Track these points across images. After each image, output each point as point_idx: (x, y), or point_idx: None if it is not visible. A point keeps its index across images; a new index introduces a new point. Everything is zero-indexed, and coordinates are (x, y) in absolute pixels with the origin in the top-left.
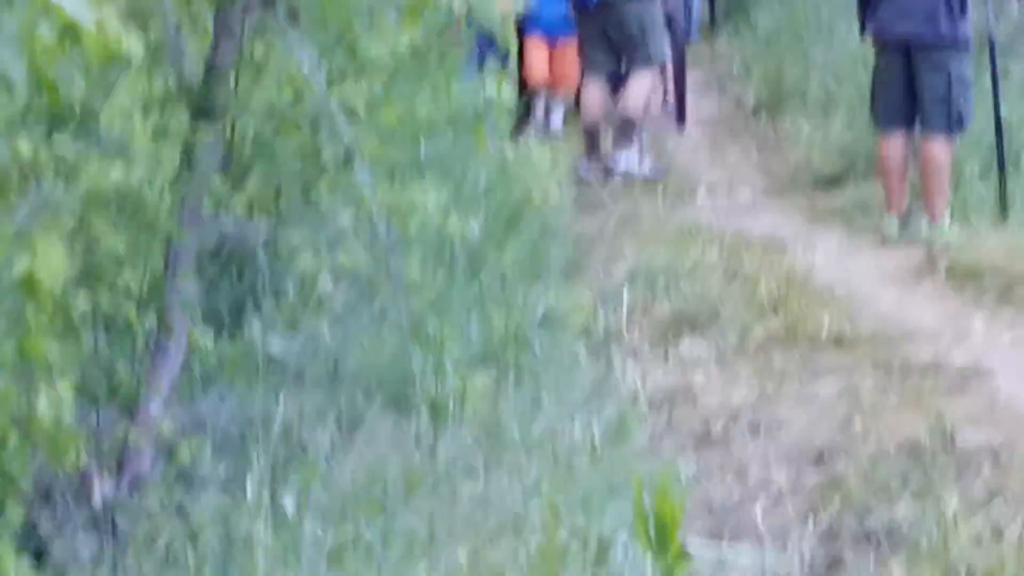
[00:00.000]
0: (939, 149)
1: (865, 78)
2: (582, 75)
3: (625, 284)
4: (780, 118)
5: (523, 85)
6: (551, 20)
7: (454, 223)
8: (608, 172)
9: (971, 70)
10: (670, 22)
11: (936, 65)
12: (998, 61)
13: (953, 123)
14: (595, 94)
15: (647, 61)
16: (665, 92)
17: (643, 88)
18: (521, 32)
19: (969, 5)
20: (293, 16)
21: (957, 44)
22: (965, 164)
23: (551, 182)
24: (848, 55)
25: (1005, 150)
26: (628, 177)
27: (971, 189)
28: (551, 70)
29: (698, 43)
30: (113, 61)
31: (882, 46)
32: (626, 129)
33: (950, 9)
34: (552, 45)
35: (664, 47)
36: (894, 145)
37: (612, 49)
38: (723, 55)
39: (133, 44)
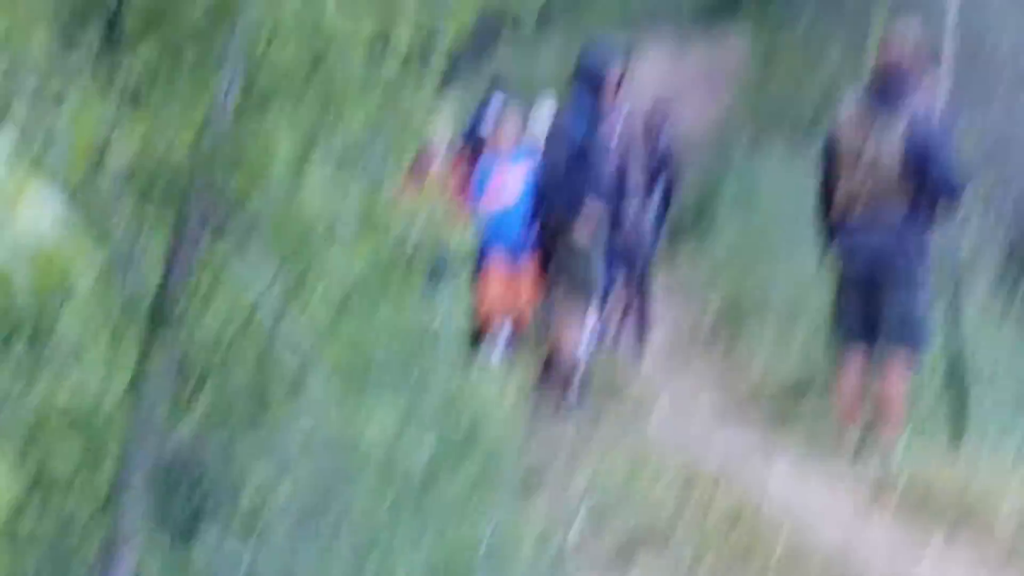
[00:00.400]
0: (899, 368)
1: (827, 292)
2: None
3: (579, 504)
4: (742, 329)
5: (479, 309)
6: (508, 245)
7: (405, 444)
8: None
9: (932, 293)
10: (630, 251)
11: (900, 283)
12: (962, 283)
13: (913, 345)
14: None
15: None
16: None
17: (577, 331)
18: (479, 255)
19: (934, 229)
20: (249, 233)
21: (918, 266)
22: (922, 385)
23: (504, 403)
24: (811, 267)
25: (965, 372)
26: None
27: (928, 410)
28: (507, 297)
29: (663, 251)
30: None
31: (845, 266)
32: (568, 371)
33: (913, 233)
34: (509, 271)
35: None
36: (854, 362)
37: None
38: (687, 264)
39: (85, 267)
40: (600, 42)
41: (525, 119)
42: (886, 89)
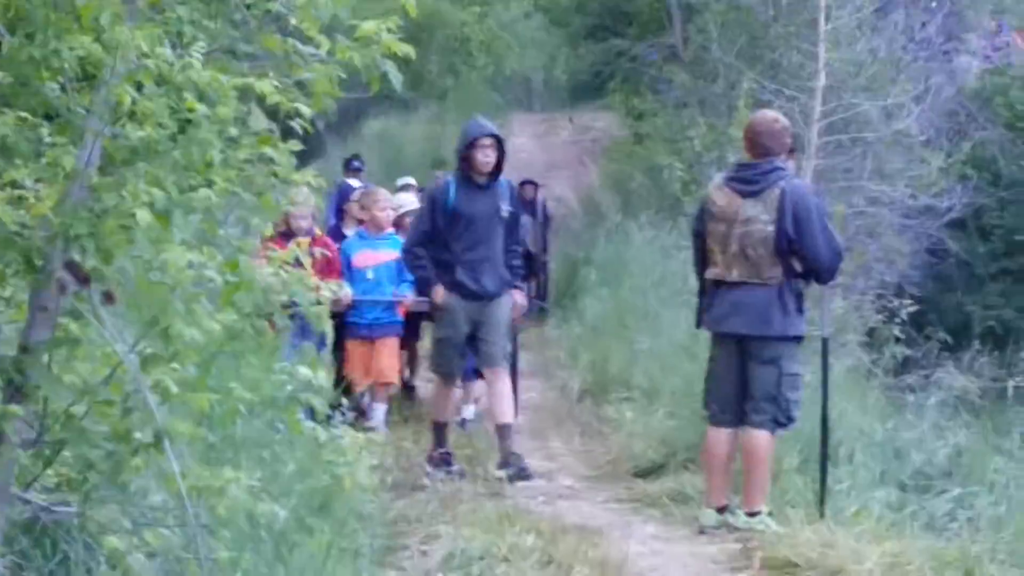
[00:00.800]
0: (762, 442)
1: (690, 368)
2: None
3: (439, 569)
4: (604, 405)
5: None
6: (372, 316)
7: (263, 507)
8: (450, 467)
9: (801, 367)
10: None
11: (766, 360)
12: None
13: (780, 418)
14: (449, 396)
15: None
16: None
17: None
18: (341, 327)
19: (804, 303)
20: (108, 297)
21: (788, 340)
22: (785, 457)
23: (364, 466)
24: (673, 344)
25: (827, 442)
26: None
27: (790, 482)
28: (371, 367)
29: (526, 328)
30: None
31: (716, 339)
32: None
33: (784, 307)
34: (372, 341)
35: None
36: (720, 437)
37: (465, 348)
38: (551, 340)
39: None
40: (480, 119)
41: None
42: (755, 165)
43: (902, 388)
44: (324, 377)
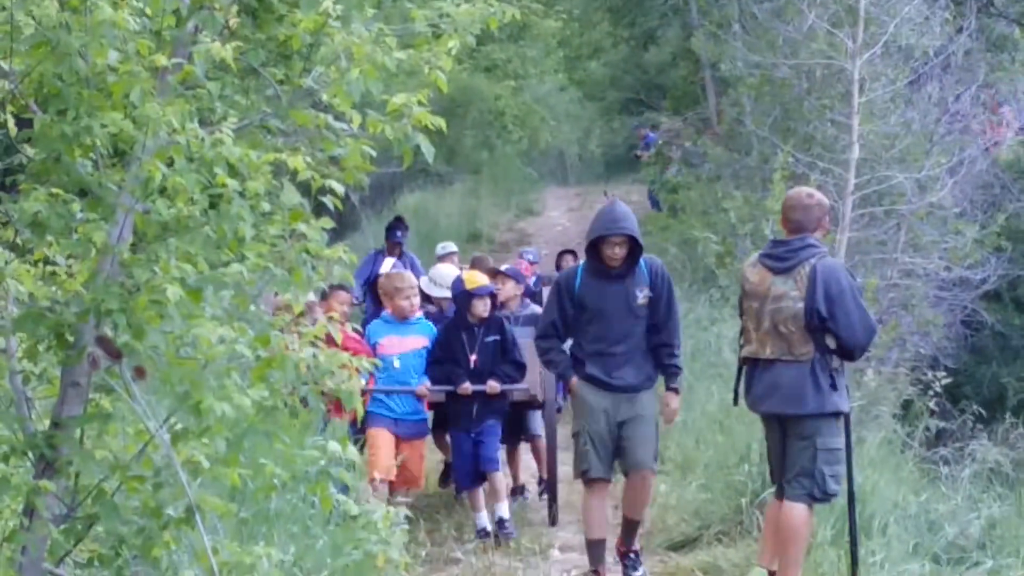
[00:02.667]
0: (797, 516)
1: (723, 441)
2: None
3: None
4: None
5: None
6: (401, 410)
7: None
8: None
9: (840, 441)
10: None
11: (803, 436)
12: (852, 431)
13: (816, 493)
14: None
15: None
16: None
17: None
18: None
19: (842, 379)
20: (140, 372)
21: (824, 417)
22: (818, 530)
23: (397, 541)
24: (706, 417)
25: (857, 519)
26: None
27: (824, 555)
28: (399, 471)
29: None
30: None
31: (761, 417)
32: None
33: (816, 384)
34: (399, 437)
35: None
36: (773, 506)
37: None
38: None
39: None
40: (615, 210)
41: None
42: (787, 242)
43: (936, 460)
44: (355, 453)
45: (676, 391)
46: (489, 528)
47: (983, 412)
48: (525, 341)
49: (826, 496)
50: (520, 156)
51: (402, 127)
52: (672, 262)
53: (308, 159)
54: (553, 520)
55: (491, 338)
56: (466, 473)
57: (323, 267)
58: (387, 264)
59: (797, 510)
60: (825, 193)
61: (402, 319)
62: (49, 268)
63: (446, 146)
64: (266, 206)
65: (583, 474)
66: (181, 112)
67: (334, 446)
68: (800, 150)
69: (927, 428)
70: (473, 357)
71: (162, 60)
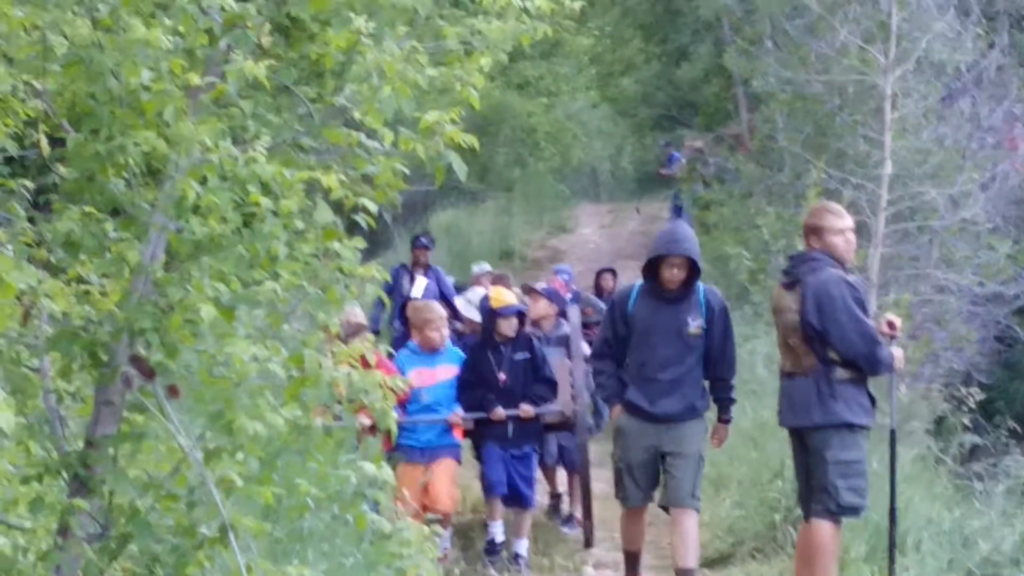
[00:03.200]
0: (815, 532)
1: (756, 457)
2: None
3: None
4: None
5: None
6: (426, 438)
7: None
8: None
9: (856, 453)
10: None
11: (814, 450)
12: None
13: (831, 507)
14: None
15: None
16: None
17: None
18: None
19: (850, 390)
20: (173, 391)
21: (832, 428)
22: (852, 546)
23: (429, 559)
24: (739, 434)
25: (896, 537)
26: None
27: (858, 571)
28: (425, 493)
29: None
30: None
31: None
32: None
33: (820, 395)
34: (426, 465)
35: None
36: (803, 526)
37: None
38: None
39: (3, 416)
40: (676, 229)
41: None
42: (797, 255)
43: (970, 476)
44: (389, 473)
45: (728, 422)
46: (499, 540)
47: (1017, 428)
48: (556, 361)
49: (842, 510)
50: (552, 173)
51: (434, 145)
52: (704, 278)
53: (341, 177)
54: (588, 542)
55: (520, 356)
56: (499, 479)
57: (356, 285)
58: (419, 285)
59: (818, 527)
60: (858, 209)
61: (431, 351)
62: (82, 287)
63: (478, 164)
64: (299, 224)
65: (622, 500)
66: (214, 131)
67: (368, 466)
68: (832, 166)
69: (961, 444)
70: (502, 376)
71: (195, 79)
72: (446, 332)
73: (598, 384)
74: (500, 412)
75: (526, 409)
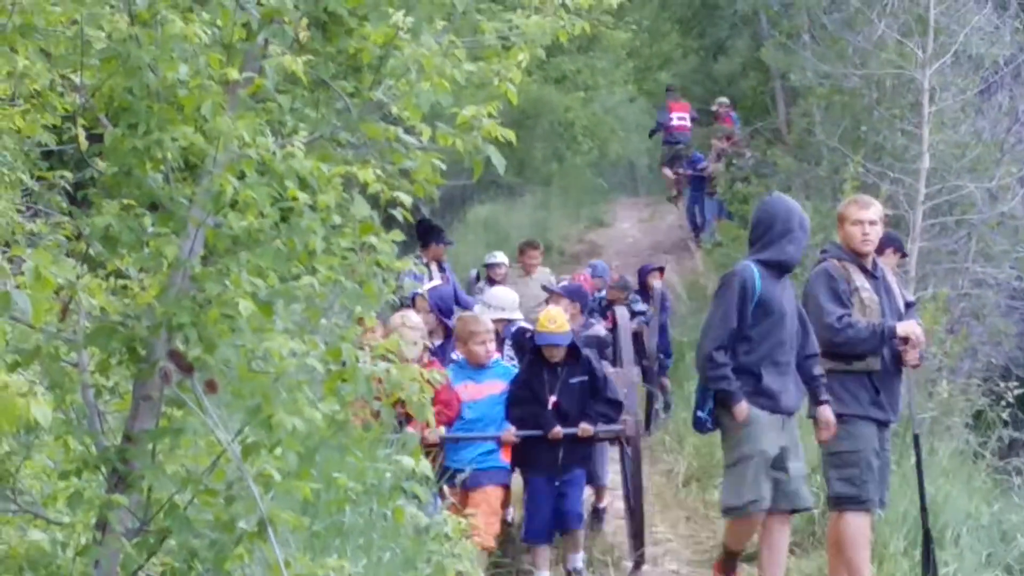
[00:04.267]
0: (833, 524)
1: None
2: None
3: None
4: (710, 489)
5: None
6: (469, 458)
7: None
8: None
9: (851, 444)
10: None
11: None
12: (923, 441)
13: (831, 499)
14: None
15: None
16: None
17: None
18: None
19: (829, 380)
20: (211, 386)
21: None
22: (890, 540)
23: (468, 553)
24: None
25: (930, 527)
26: None
27: (896, 565)
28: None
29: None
30: (23, 426)
31: None
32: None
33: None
34: (466, 491)
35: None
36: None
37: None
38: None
39: (41, 411)
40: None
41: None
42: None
43: (1009, 471)
44: (428, 467)
45: (827, 403)
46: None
47: None
48: None
49: (839, 500)
50: (590, 167)
51: (472, 139)
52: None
53: (378, 172)
54: (638, 565)
55: (576, 379)
56: (542, 526)
57: (393, 280)
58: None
59: (833, 519)
60: (895, 203)
61: (477, 365)
62: (121, 282)
63: (516, 158)
64: (337, 219)
65: (750, 503)
66: (252, 125)
67: (406, 460)
68: (870, 160)
69: (999, 438)
70: (552, 399)
71: (233, 74)
72: (492, 346)
73: (720, 377)
74: (558, 430)
75: (585, 428)
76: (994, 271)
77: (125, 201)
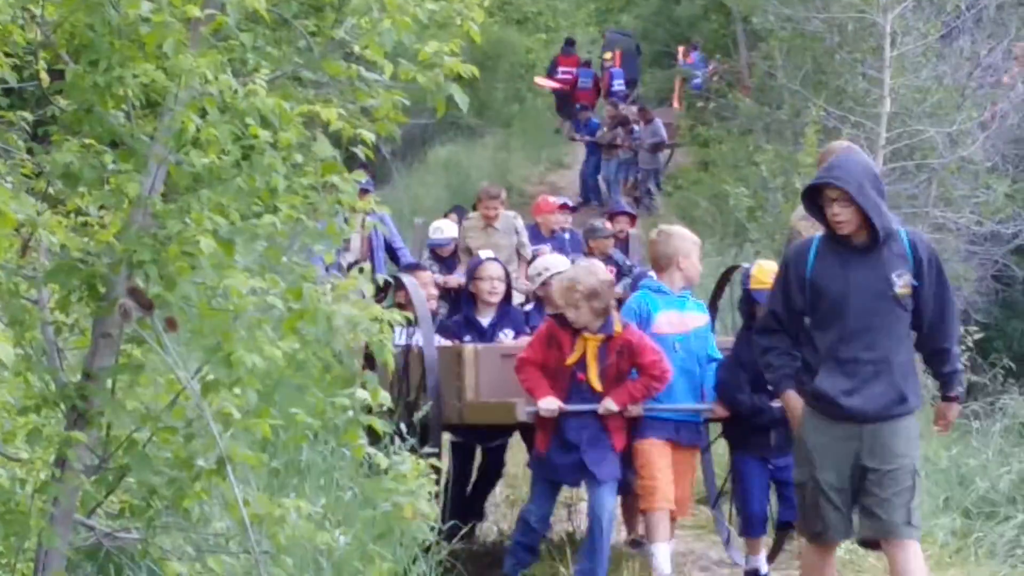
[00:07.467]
0: None
1: None
2: None
3: None
4: None
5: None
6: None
7: (324, 536)
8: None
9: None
10: None
11: None
12: None
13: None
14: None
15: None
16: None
17: None
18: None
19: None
20: (171, 324)
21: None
22: None
23: (425, 494)
24: None
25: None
26: None
27: None
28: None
29: None
30: None
31: None
32: None
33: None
34: (678, 444)
35: None
36: None
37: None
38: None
39: (1, 347)
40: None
41: None
42: None
43: (967, 415)
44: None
45: (956, 400)
46: (764, 572)
47: (1014, 366)
48: None
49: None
50: (550, 109)
51: (434, 76)
52: (703, 215)
53: (341, 111)
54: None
55: None
56: (764, 515)
57: (354, 219)
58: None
59: None
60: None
61: (678, 290)
62: (81, 219)
63: (477, 99)
64: (298, 157)
65: (816, 536)
66: (214, 63)
67: (363, 394)
68: (831, 104)
69: None
70: None
71: (195, 11)
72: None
73: (767, 364)
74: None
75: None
76: (954, 216)
77: (86, 139)
